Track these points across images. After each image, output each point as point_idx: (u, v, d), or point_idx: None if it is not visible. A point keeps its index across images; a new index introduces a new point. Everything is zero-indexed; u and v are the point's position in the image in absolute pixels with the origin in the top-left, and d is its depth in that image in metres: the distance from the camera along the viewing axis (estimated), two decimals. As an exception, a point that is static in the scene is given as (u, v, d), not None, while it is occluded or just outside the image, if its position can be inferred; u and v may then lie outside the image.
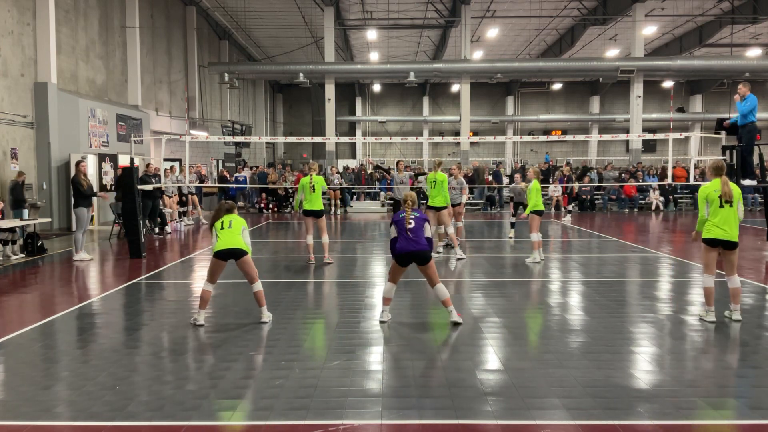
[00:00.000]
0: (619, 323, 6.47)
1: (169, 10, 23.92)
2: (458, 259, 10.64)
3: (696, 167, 18.71)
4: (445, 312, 6.60)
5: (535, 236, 10.39)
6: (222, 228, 6.39)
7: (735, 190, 6.31)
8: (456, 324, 6.32)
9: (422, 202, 12.28)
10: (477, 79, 30.67)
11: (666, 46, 33.88)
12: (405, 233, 6.30)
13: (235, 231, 6.40)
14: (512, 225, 13.77)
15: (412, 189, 14.80)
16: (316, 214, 10.23)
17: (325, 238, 10.38)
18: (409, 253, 6.25)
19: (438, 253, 11.02)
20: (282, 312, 6.97)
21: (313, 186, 10.11)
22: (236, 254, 6.34)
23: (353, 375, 4.89)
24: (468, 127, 27.25)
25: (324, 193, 11.22)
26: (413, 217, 6.36)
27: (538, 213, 10.42)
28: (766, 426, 4.02)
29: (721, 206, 6.24)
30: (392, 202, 12.61)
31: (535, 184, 10.46)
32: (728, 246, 6.32)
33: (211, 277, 6.46)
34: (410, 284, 8.30)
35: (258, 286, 6.51)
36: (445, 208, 10.79)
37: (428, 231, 6.38)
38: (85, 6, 17.33)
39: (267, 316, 6.57)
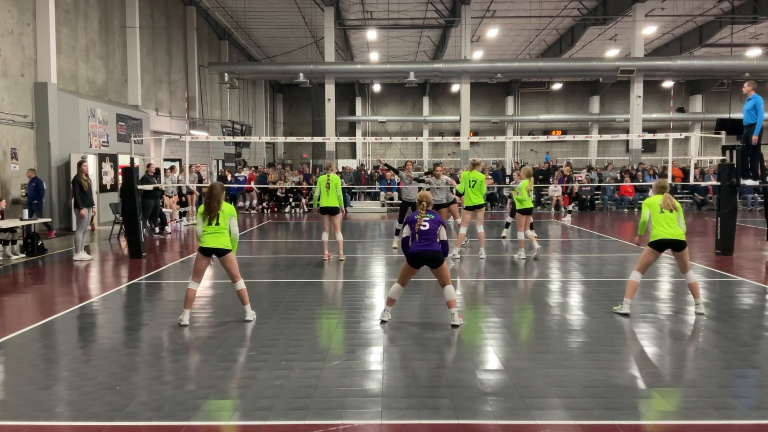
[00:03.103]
0: (619, 323, 6.47)
1: (169, 10, 23.91)
2: (453, 258, 10.76)
3: (696, 167, 18.70)
4: (445, 312, 6.61)
5: (520, 234, 10.89)
6: (209, 224, 6.36)
7: (676, 203, 6.80)
8: (455, 326, 6.31)
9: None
10: (477, 79, 30.66)
11: (666, 46, 33.87)
12: (416, 235, 6.25)
13: (222, 226, 6.38)
14: (507, 225, 14.13)
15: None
16: (330, 212, 10.47)
17: (339, 236, 10.64)
18: (421, 256, 6.20)
19: (456, 258, 10.93)
20: (282, 312, 6.97)
21: (328, 184, 10.36)
22: (219, 252, 6.40)
23: (353, 375, 4.89)
24: (468, 127, 27.25)
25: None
26: (427, 219, 6.29)
27: (520, 212, 10.85)
28: (766, 426, 4.02)
29: (661, 212, 6.71)
30: (401, 203, 12.50)
31: (522, 183, 10.83)
32: (677, 246, 6.67)
33: (196, 276, 6.48)
34: (411, 284, 8.29)
35: (240, 284, 6.54)
36: (484, 206, 11.03)
37: (443, 234, 6.31)
38: (85, 6, 17.33)
39: (251, 314, 6.61)
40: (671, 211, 6.69)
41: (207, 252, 6.40)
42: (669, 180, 13.29)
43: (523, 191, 10.68)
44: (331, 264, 10.36)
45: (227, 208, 6.45)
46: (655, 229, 6.72)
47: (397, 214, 13.08)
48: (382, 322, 6.47)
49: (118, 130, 18.17)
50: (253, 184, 22.12)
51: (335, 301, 7.86)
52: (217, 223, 6.37)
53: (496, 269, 10.00)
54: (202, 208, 6.45)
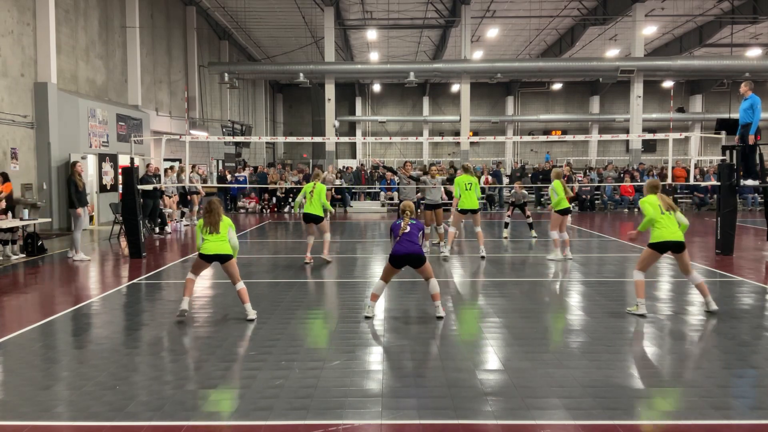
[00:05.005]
0: (619, 323, 6.47)
1: (169, 10, 23.91)
2: (444, 258, 10.80)
3: (696, 167, 18.70)
4: (445, 311, 6.62)
5: (554, 234, 10.76)
6: (210, 233, 6.53)
7: (671, 201, 6.80)
8: (439, 318, 6.54)
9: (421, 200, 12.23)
10: (477, 79, 30.66)
11: (666, 46, 33.87)
12: (400, 236, 6.53)
13: (222, 236, 6.55)
14: (506, 225, 14.20)
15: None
16: (313, 219, 10.35)
17: (327, 237, 10.55)
18: (403, 256, 6.49)
19: (443, 254, 10.97)
20: (282, 312, 6.97)
21: (312, 192, 10.27)
22: (222, 259, 6.56)
23: (353, 375, 4.89)
24: (468, 127, 27.25)
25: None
26: (410, 224, 6.62)
27: (558, 212, 10.73)
28: (766, 426, 4.02)
29: (663, 213, 6.69)
30: (399, 202, 12.55)
31: (555, 184, 10.71)
32: (677, 248, 6.67)
33: (195, 271, 6.72)
34: (409, 284, 8.29)
35: (240, 285, 6.68)
36: (478, 211, 11.11)
37: (420, 239, 6.72)
38: (85, 6, 17.32)
39: (252, 313, 6.65)
40: (671, 212, 6.70)
41: (209, 259, 6.57)
42: (669, 180, 13.41)
43: (559, 192, 10.61)
44: (329, 263, 10.34)
45: (226, 220, 6.64)
46: (657, 230, 6.68)
47: (396, 214, 13.10)
48: (367, 317, 6.60)
49: (118, 130, 18.17)
50: (249, 187, 22.13)
51: (335, 300, 7.86)
52: (218, 232, 6.55)
53: (496, 269, 10.00)
54: (201, 222, 6.61)
